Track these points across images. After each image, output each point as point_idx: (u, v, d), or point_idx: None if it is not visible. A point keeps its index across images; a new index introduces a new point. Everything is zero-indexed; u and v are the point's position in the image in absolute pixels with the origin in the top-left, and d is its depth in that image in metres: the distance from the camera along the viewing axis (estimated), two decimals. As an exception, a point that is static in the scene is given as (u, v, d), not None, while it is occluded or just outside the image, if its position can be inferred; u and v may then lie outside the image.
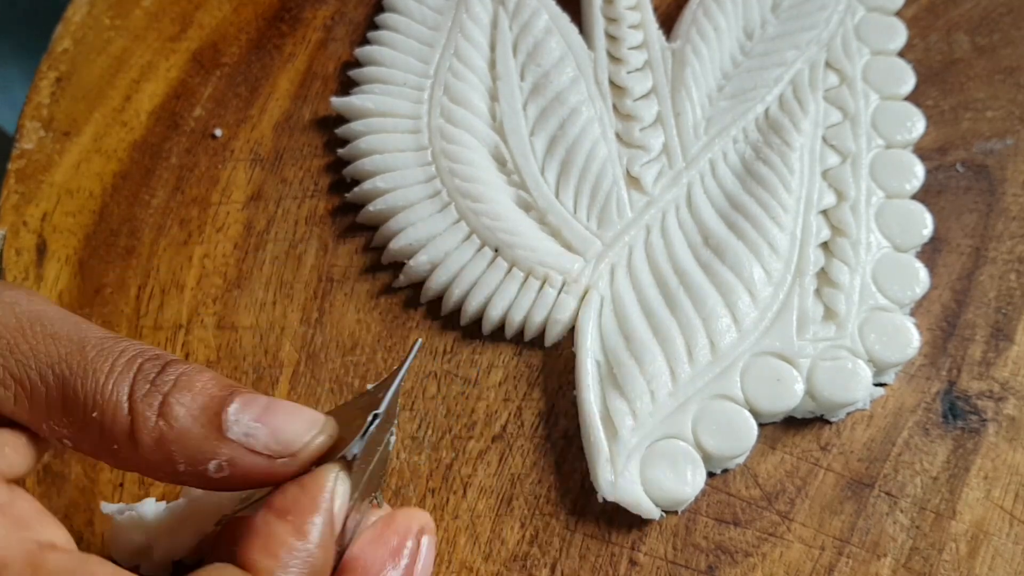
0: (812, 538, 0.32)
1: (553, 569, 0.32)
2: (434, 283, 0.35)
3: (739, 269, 0.35)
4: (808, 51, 0.40)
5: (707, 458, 0.32)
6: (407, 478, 0.33)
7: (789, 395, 0.33)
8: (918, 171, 0.37)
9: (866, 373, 0.33)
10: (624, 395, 0.32)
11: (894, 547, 0.32)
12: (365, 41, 0.42)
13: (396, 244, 0.36)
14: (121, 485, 0.33)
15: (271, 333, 0.36)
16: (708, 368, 0.33)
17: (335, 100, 0.39)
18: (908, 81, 0.40)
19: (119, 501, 0.33)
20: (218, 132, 0.40)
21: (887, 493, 0.33)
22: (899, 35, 0.41)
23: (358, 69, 0.40)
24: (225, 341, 0.35)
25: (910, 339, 0.34)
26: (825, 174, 0.37)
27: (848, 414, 0.34)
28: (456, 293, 0.35)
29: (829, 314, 0.34)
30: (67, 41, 0.42)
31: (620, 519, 0.32)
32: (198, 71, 0.41)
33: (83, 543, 0.32)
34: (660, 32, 0.41)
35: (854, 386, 0.33)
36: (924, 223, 0.36)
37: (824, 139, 0.38)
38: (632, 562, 0.32)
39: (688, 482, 0.31)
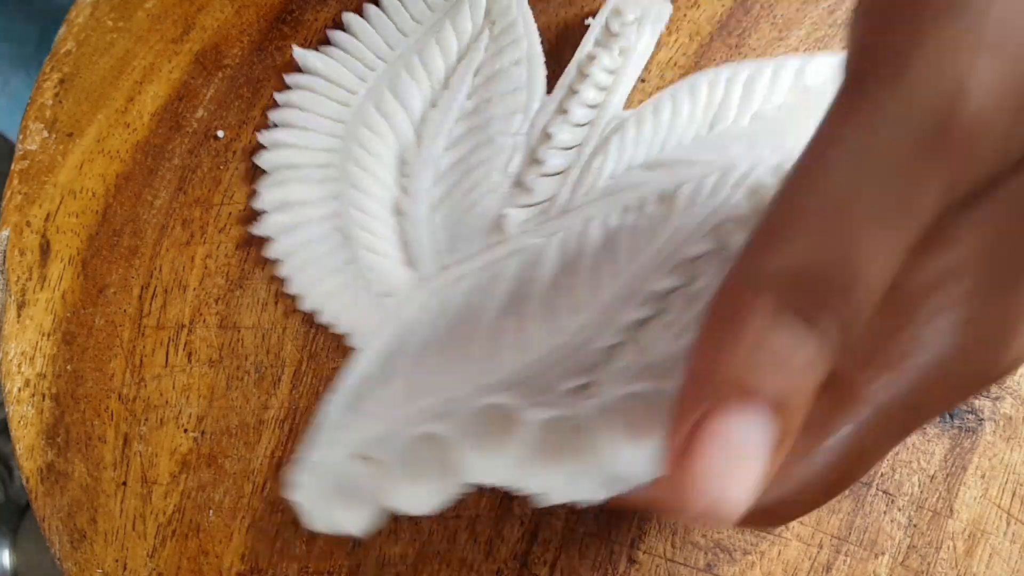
0: (810, 536, 0.32)
1: (553, 567, 0.32)
2: None
3: None
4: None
5: None
6: (408, 477, 0.33)
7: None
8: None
9: (864, 373, 0.33)
10: None
11: (891, 545, 0.32)
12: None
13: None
14: (124, 484, 0.33)
15: (273, 333, 0.36)
16: None
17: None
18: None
19: (122, 500, 0.33)
20: (220, 133, 0.40)
21: (884, 492, 0.33)
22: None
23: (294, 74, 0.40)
24: (227, 340, 0.36)
25: (907, 339, 0.34)
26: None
27: (846, 413, 0.34)
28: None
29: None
30: (70, 42, 0.42)
31: (619, 517, 0.32)
32: (200, 73, 0.41)
33: (86, 541, 0.32)
34: (624, 102, 0.38)
35: (852, 386, 0.33)
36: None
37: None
38: (631, 560, 0.32)
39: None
